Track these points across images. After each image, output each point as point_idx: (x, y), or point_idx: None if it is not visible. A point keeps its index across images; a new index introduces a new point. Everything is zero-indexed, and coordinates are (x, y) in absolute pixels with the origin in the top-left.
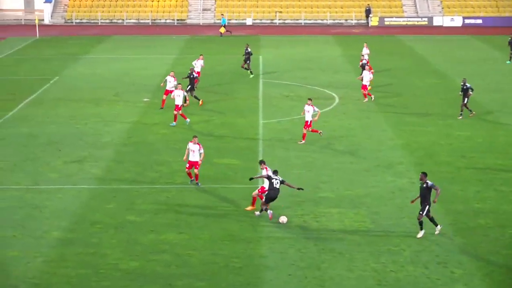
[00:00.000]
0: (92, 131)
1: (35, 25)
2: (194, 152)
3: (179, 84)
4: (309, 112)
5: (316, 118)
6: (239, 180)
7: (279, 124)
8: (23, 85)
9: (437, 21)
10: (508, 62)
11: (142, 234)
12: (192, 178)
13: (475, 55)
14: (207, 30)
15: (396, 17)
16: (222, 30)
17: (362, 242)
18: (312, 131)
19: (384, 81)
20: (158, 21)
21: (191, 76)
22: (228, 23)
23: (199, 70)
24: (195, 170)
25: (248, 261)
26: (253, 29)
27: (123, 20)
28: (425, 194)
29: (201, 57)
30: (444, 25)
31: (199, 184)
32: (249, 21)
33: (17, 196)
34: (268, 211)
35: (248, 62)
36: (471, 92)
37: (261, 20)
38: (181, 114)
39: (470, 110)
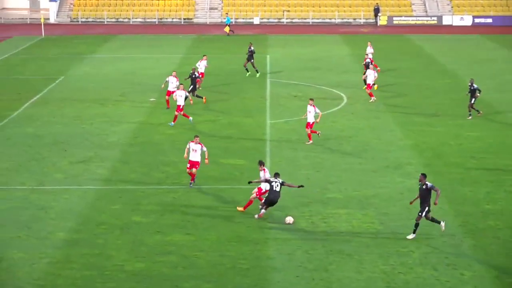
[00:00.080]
0: (98, 131)
1: (41, 24)
2: (196, 152)
3: (181, 84)
4: (310, 113)
5: (318, 119)
6: (246, 180)
7: (286, 124)
8: (29, 84)
9: (447, 20)
10: None
11: (148, 235)
12: (193, 181)
13: (485, 54)
14: (214, 29)
15: (405, 16)
16: (227, 29)
17: (370, 244)
18: (311, 131)
19: (393, 81)
20: (165, 20)
21: (193, 76)
22: (235, 22)
23: (202, 71)
24: (193, 170)
25: (255, 263)
26: (261, 28)
27: (130, 19)
28: (425, 196)
29: (204, 57)
30: (454, 24)
31: (192, 185)
32: (256, 20)
33: (22, 196)
34: (261, 210)
35: (252, 60)
36: (478, 94)
37: (268, 19)
38: (183, 114)
39: (477, 111)
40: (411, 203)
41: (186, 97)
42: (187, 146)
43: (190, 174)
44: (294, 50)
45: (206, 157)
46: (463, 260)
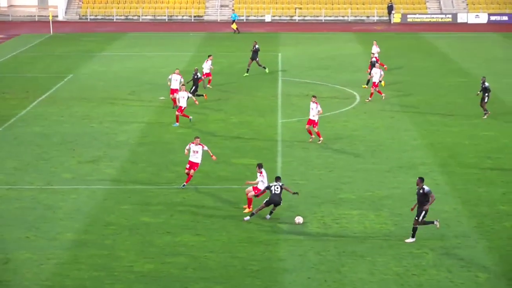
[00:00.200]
0: (107, 131)
1: (49, 22)
2: (197, 153)
3: (183, 85)
4: (313, 110)
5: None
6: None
7: (298, 123)
8: (37, 82)
9: (462, 18)
10: None
11: (157, 236)
12: (187, 183)
13: (501, 53)
14: (225, 27)
15: (419, 14)
16: (234, 26)
17: (383, 245)
18: (308, 131)
19: (407, 79)
20: (175, 17)
21: (195, 77)
22: (246, 20)
23: (207, 71)
24: (191, 171)
25: (266, 264)
26: (272, 26)
27: (139, 16)
28: (422, 200)
29: (210, 58)
30: (469, 22)
31: (184, 185)
32: (267, 18)
33: (30, 196)
34: (251, 216)
35: (256, 59)
36: (486, 94)
37: (280, 16)
38: (182, 115)
39: (486, 111)
40: (412, 209)
41: (188, 98)
42: (187, 147)
43: (187, 174)
44: (306, 48)
45: (211, 154)
46: (478, 262)
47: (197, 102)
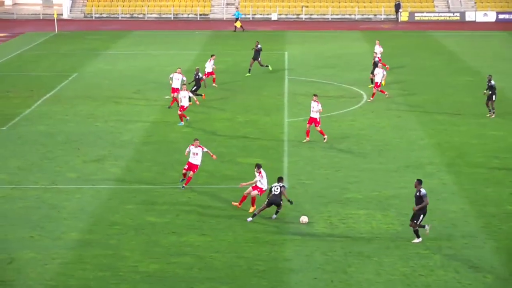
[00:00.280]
0: (112, 130)
1: (54, 20)
2: (196, 155)
3: (184, 85)
4: (313, 108)
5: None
6: None
7: (305, 122)
8: (41, 81)
9: (470, 17)
10: None
11: (162, 236)
12: (184, 179)
13: (509, 51)
14: (231, 26)
15: (427, 12)
16: (238, 24)
17: (390, 245)
18: (307, 131)
19: (414, 78)
20: (181, 16)
21: (197, 77)
22: (252, 18)
23: (210, 70)
24: (191, 173)
25: (272, 264)
26: (278, 24)
27: (144, 14)
28: (419, 203)
29: (212, 57)
30: (477, 20)
31: (184, 187)
32: (274, 16)
33: (35, 196)
34: (254, 217)
35: (259, 59)
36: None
37: (286, 15)
38: (180, 114)
39: (490, 110)
40: (414, 209)
41: (189, 98)
42: (187, 150)
43: (184, 175)
44: (313, 47)
45: (211, 154)
46: (486, 263)
47: (198, 102)
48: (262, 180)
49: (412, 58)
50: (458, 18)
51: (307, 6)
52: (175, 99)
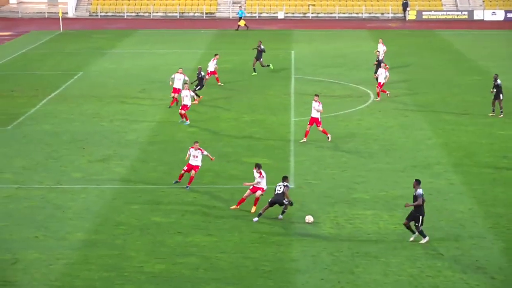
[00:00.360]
0: (117, 129)
1: (59, 19)
2: (196, 158)
3: (186, 84)
4: (314, 108)
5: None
6: (270, 180)
7: None
8: (46, 80)
9: (478, 15)
10: None
11: (168, 236)
12: (179, 181)
13: None
14: (237, 24)
15: (434, 11)
16: (242, 23)
17: (397, 246)
18: (306, 132)
19: (422, 77)
20: (186, 14)
21: (199, 76)
22: (259, 17)
23: (212, 70)
24: (193, 172)
25: (278, 265)
26: (285, 23)
27: (150, 13)
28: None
29: (216, 56)
30: (485, 19)
31: (188, 187)
32: (280, 15)
33: (40, 195)
34: (259, 217)
35: (260, 60)
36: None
37: (293, 13)
38: (180, 114)
39: (494, 110)
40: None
41: (192, 97)
42: (188, 153)
43: (181, 176)
44: (320, 46)
45: (211, 157)
46: (494, 263)
47: (196, 102)
48: (262, 181)
49: (419, 57)
50: (466, 16)
51: (314, 5)
52: (175, 99)
